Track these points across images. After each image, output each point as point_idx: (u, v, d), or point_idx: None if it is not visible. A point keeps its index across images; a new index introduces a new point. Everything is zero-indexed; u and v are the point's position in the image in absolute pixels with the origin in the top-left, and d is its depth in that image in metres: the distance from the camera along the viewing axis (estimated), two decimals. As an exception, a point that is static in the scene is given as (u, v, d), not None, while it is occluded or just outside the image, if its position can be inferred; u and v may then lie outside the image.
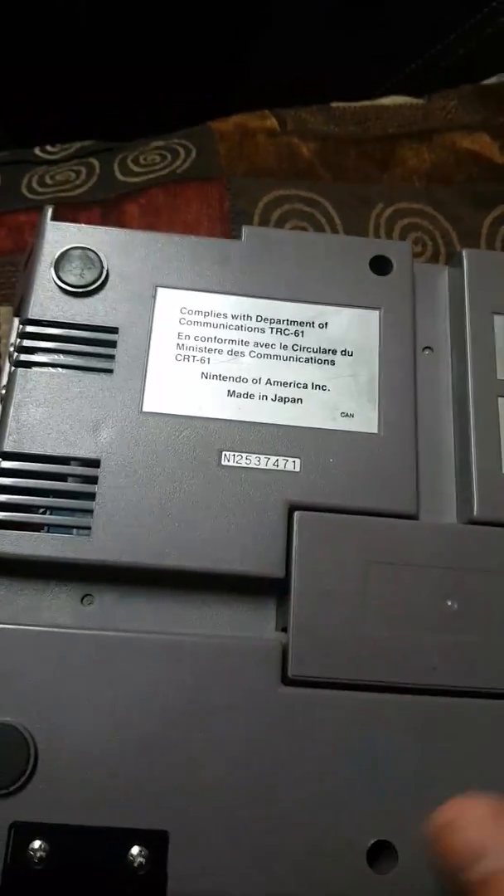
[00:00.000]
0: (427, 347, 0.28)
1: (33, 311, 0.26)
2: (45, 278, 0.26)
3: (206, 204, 0.38)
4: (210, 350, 0.26)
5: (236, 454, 0.25)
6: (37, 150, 0.44)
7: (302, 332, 0.27)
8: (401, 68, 0.52)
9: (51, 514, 0.24)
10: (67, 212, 0.39)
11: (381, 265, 0.28)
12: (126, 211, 0.39)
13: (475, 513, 0.25)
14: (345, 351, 0.27)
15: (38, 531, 0.24)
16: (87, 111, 0.53)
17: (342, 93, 0.45)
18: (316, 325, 0.27)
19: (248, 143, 0.41)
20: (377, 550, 0.24)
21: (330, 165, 0.40)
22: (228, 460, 0.25)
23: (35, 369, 0.25)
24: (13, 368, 0.25)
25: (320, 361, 0.27)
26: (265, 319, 0.27)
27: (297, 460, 0.25)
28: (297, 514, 0.24)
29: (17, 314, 0.30)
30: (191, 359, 0.26)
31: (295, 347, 0.27)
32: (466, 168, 0.41)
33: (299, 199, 0.38)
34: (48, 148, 0.44)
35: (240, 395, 0.26)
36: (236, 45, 0.56)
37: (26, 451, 0.24)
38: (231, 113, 0.44)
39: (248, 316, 0.27)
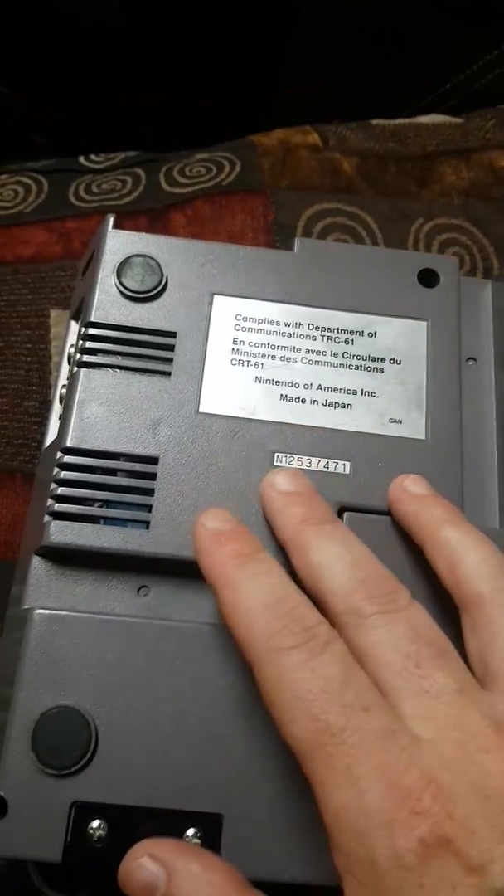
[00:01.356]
0: (471, 358, 0.29)
1: (96, 315, 0.27)
2: (107, 284, 0.27)
3: (251, 216, 0.39)
4: (263, 356, 0.27)
5: (288, 455, 0.26)
6: (81, 159, 0.46)
7: (352, 340, 0.28)
8: (437, 87, 0.53)
9: (108, 507, 0.25)
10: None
11: (428, 278, 0.29)
12: (172, 220, 0.40)
13: (519, 518, 0.26)
14: (393, 360, 0.28)
15: (95, 524, 0.25)
16: (126, 122, 0.55)
17: (379, 111, 0.46)
18: (365, 333, 0.28)
19: (291, 157, 0.42)
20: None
21: (371, 181, 0.41)
22: (281, 461, 0.26)
23: (97, 370, 0.26)
24: (76, 369, 0.26)
25: (370, 369, 0.28)
26: (316, 328, 0.28)
27: (348, 463, 0.26)
28: (346, 514, 0.25)
29: (75, 318, 0.31)
30: (245, 363, 0.27)
31: (345, 355, 0.28)
32: (502, 182, 0.42)
33: (341, 212, 0.39)
34: (93, 157, 0.46)
35: (292, 400, 0.27)
36: (273, 60, 0.57)
37: (88, 447, 0.25)
38: (269, 128, 0.45)
39: (300, 324, 0.28)
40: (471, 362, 0.29)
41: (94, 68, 0.55)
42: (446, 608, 0.23)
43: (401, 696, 0.19)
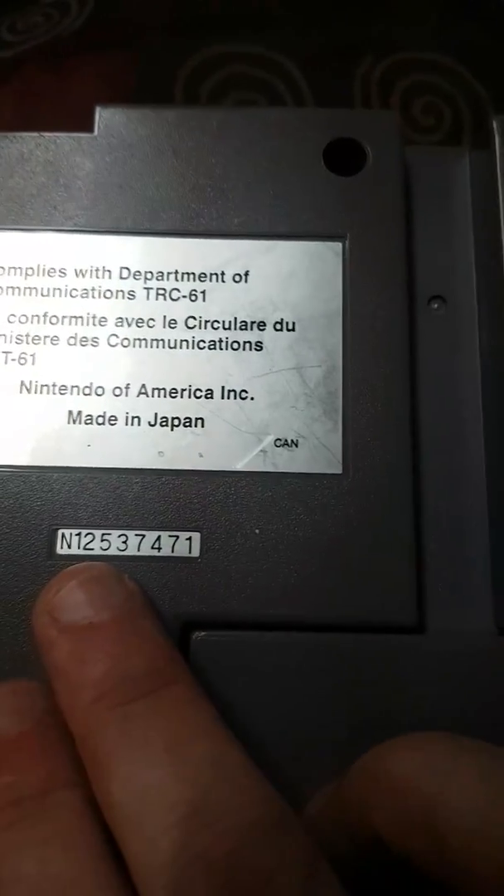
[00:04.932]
0: (436, 298, 0.16)
1: None
2: None
3: (105, 77, 0.25)
4: (37, 338, 0.15)
5: (82, 532, 0.14)
6: None
7: (202, 292, 0.15)
8: None
9: None
10: None
11: (345, 156, 0.16)
12: (-4, 100, 0.26)
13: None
14: (281, 322, 0.15)
15: None
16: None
17: None
18: (227, 277, 0.15)
19: (170, -21, 0.27)
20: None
21: (292, 0, 0.27)
22: (68, 545, 0.14)
23: None
24: None
25: (236, 346, 0.15)
26: (136, 274, 0.15)
27: (195, 536, 0.14)
28: (195, 636, 0.13)
29: None
30: (3, 358, 0.15)
31: (190, 322, 0.15)
32: (503, -12, 0.27)
33: (244, 58, 0.25)
34: None
35: (90, 420, 0.14)
36: None
37: None
38: None
39: (103, 269, 0.15)
40: (436, 305, 0.16)
41: None
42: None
43: None
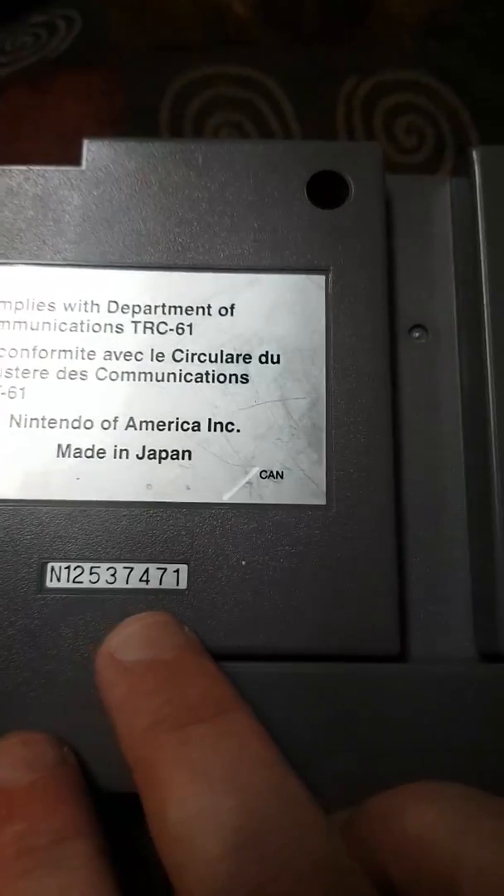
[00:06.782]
0: (418, 327, 0.17)
1: None
2: None
3: (90, 100, 0.25)
4: (26, 372, 0.15)
5: (71, 566, 0.14)
6: None
7: (188, 325, 0.15)
8: None
9: None
10: None
11: (328, 189, 0.16)
12: (-18, 120, 0.26)
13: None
14: (266, 355, 0.15)
15: None
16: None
17: None
18: (213, 310, 0.15)
19: (154, 1, 0.28)
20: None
21: (276, 23, 0.27)
22: (58, 578, 0.14)
23: None
24: None
25: (223, 378, 0.15)
26: (124, 307, 0.15)
27: (183, 569, 0.14)
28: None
29: None
30: (-9, 392, 0.15)
31: (177, 356, 0.15)
32: (479, 8, 0.27)
33: (230, 79, 0.25)
34: None
35: (78, 454, 0.15)
36: None
37: None
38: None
39: (91, 303, 0.15)
40: (417, 333, 0.17)
41: None
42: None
43: None
